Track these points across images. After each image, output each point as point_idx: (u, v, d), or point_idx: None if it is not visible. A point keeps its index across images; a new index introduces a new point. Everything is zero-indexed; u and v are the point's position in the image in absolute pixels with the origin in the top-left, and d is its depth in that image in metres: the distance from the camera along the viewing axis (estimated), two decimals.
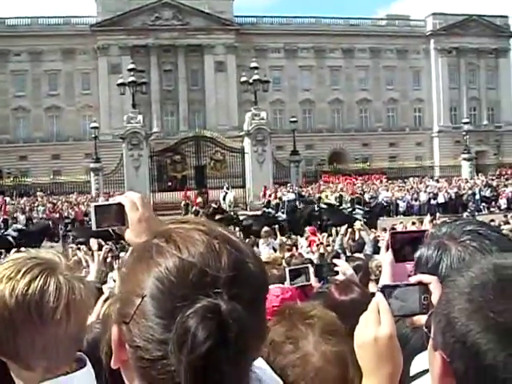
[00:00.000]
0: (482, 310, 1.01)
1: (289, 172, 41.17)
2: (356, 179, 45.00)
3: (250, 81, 37.39)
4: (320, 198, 31.77)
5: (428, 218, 11.92)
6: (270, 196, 32.11)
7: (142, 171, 36.44)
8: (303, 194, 34.88)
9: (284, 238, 13.64)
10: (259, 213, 29.00)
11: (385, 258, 2.00)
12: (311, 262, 7.97)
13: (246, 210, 33.47)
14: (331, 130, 69.42)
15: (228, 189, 34.81)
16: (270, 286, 6.54)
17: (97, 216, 1.80)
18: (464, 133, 52.04)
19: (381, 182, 43.41)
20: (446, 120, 71.48)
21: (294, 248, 12.97)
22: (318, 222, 24.51)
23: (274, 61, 67.23)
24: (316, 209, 27.98)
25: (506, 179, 44.39)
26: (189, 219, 1.11)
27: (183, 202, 32.18)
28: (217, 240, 1.02)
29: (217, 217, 23.49)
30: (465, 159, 52.23)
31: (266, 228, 15.50)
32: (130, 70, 38.19)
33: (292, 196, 32.27)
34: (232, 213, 28.27)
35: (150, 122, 59.20)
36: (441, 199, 35.00)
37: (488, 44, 72.53)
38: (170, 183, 42.20)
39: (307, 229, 18.08)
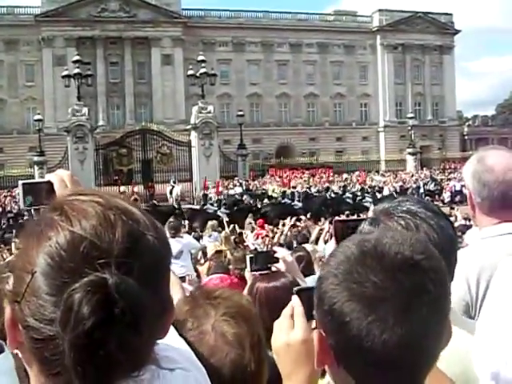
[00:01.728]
0: (345, 281, 1.06)
1: (236, 166, 41.19)
2: (303, 173, 45.30)
3: (197, 74, 37.24)
4: (264, 191, 31.96)
5: (373, 208, 12.04)
6: (207, 188, 32.11)
7: (87, 165, 36.02)
8: (250, 187, 34.99)
9: (228, 231, 13.63)
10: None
11: (329, 247, 1.97)
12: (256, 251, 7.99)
13: (193, 203, 33.36)
14: (278, 125, 69.74)
15: (175, 182, 34.63)
16: (213, 276, 6.52)
17: (25, 195, 1.71)
18: (409, 128, 52.97)
19: (327, 176, 43.78)
20: (391, 115, 72.65)
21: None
22: (330, 210, 25.03)
23: (222, 54, 67.10)
24: (328, 198, 28.52)
25: (450, 173, 45.40)
26: (86, 191, 1.04)
27: (133, 197, 31.63)
28: (112, 211, 0.96)
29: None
30: (410, 153, 53.30)
31: (211, 222, 15.47)
32: (76, 61, 37.59)
33: (239, 190, 32.36)
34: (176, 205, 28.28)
35: (96, 115, 58.32)
36: (386, 193, 35.55)
37: (433, 41, 73.97)
38: (116, 177, 41.69)
39: (256, 221, 18.16)
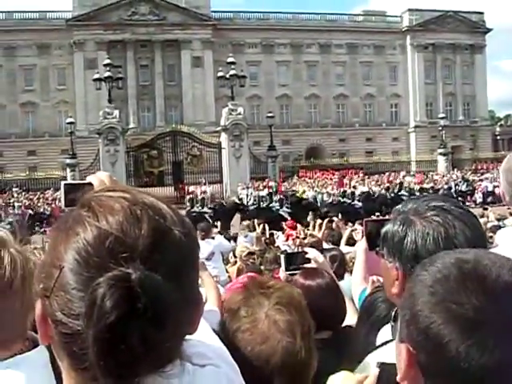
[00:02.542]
0: (444, 302, 1.03)
1: (266, 167, 41.18)
2: (333, 174, 45.12)
3: (227, 76, 37.33)
4: (294, 192, 31.92)
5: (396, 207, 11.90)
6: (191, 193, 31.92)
7: (118, 167, 36.28)
8: (282, 188, 34.92)
9: (259, 232, 13.65)
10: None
11: (359, 245, 1.99)
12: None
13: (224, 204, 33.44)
14: (308, 126, 69.65)
15: (205, 184, 34.77)
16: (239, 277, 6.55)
17: (66, 195, 1.74)
18: (440, 128, 52.45)
19: (358, 176, 43.53)
20: (422, 115, 72.04)
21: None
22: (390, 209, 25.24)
23: (251, 56, 67.22)
24: (389, 197, 29.90)
25: (482, 174, 44.84)
26: (115, 187, 1.07)
27: (188, 197, 31.30)
28: (139, 206, 0.97)
29: None
30: (441, 154, 52.76)
31: (246, 222, 15.50)
32: (106, 65, 37.99)
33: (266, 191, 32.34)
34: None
35: (127, 117, 58.90)
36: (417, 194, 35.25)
37: (464, 40, 73.17)
38: (147, 179, 41.98)
39: (285, 223, 18.13)
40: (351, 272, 5.51)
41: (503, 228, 6.48)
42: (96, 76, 38.64)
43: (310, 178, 42.61)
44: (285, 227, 16.40)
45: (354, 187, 33.22)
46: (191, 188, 30.52)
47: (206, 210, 27.12)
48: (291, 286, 1.87)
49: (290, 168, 52.84)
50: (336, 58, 70.79)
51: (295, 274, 3.33)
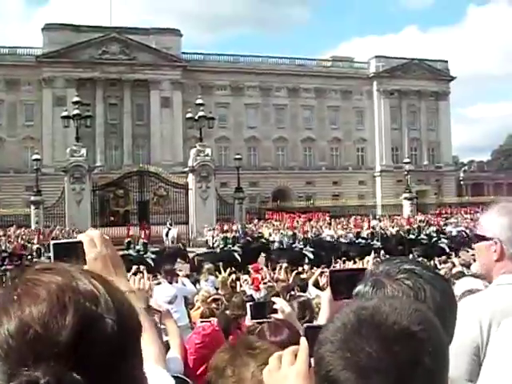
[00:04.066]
0: (340, 350, 1.05)
1: (233, 209, 41.13)
2: (299, 217, 45.21)
3: (196, 117, 37.48)
4: (261, 234, 31.94)
5: (370, 257, 12.00)
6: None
7: (83, 205, 35.95)
8: (247, 231, 34.85)
9: (226, 275, 13.55)
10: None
11: (323, 296, 2.06)
12: (253, 299, 7.93)
13: (190, 246, 33.24)
14: (275, 168, 70.01)
15: (171, 225, 34.58)
16: (198, 323, 6.45)
17: (55, 254, 1.72)
18: (405, 172, 53.13)
19: (324, 220, 43.68)
20: (388, 160, 73.05)
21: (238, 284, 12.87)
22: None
23: (220, 98, 67.71)
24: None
25: (446, 218, 45.31)
26: (54, 266, 0.98)
27: (126, 240, 31.08)
28: (68, 293, 0.89)
29: None
30: (406, 198, 53.29)
31: (208, 265, 15.36)
32: (75, 102, 37.90)
33: (235, 233, 32.26)
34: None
35: (94, 155, 58.54)
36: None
37: (429, 87, 74.83)
38: (112, 218, 41.61)
39: (251, 266, 18.03)
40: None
41: (464, 278, 6.54)
42: (64, 113, 38.51)
43: (276, 221, 42.58)
44: (251, 270, 16.33)
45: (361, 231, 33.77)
46: (131, 231, 30.08)
47: (148, 254, 26.54)
48: (277, 348, 1.84)
49: (256, 210, 52.89)
50: (304, 101, 71.69)
51: (262, 322, 3.29)
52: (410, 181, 54.30)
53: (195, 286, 12.55)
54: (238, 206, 41.04)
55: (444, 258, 19.70)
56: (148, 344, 1.58)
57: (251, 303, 3.89)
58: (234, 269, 15.98)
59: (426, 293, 1.58)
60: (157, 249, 27.88)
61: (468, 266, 13.25)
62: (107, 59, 63.32)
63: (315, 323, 1.80)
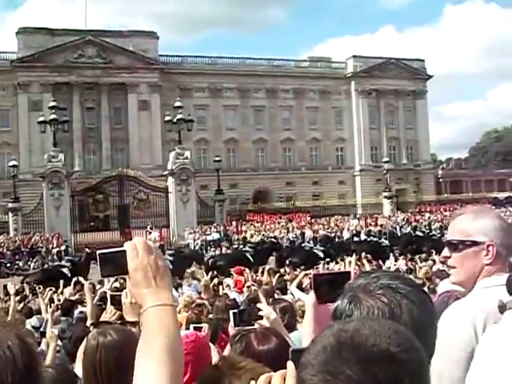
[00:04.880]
0: (321, 372, 1.06)
1: (213, 211, 41.04)
2: (280, 218, 45.25)
3: (174, 120, 37.32)
4: (245, 237, 31.93)
5: (352, 258, 11.92)
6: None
7: (62, 211, 35.65)
8: (228, 233, 34.80)
9: (208, 279, 13.40)
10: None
11: (307, 300, 2.08)
12: (236, 303, 7.81)
13: (170, 249, 33.03)
14: (255, 169, 70.01)
15: (152, 229, 34.40)
16: (183, 332, 6.37)
17: (101, 265, 1.72)
18: (384, 171, 53.46)
19: (305, 220, 43.76)
20: (367, 159, 73.39)
21: (221, 287, 12.74)
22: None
23: (199, 100, 67.56)
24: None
25: (429, 217, 45.56)
26: None
27: (54, 251, 30.61)
28: None
29: None
30: (386, 197, 53.64)
31: (190, 269, 15.23)
32: (52, 107, 37.56)
33: (216, 235, 32.23)
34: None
35: (72, 160, 58.05)
36: (363, 237, 35.48)
37: (406, 86, 75.35)
38: (92, 223, 41.32)
39: (233, 269, 17.95)
40: (302, 321, 5.37)
41: (445, 280, 6.51)
42: (41, 119, 38.25)
43: (257, 222, 42.58)
44: (233, 273, 16.21)
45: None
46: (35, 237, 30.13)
47: (166, 256, 26.81)
48: (262, 367, 1.78)
49: (237, 212, 52.81)
50: (282, 102, 71.77)
51: (247, 328, 3.23)
52: (390, 179, 54.64)
53: (177, 290, 12.40)
54: (218, 209, 41.01)
55: (424, 255, 19.77)
56: (145, 368, 1.48)
57: (234, 311, 3.81)
58: (215, 272, 15.85)
59: (402, 308, 1.57)
60: (173, 251, 28.15)
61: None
62: (83, 63, 62.80)
63: (302, 346, 1.76)
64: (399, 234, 34.27)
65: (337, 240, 32.48)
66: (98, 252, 1.74)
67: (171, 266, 21.50)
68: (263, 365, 1.78)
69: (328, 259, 19.75)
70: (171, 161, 37.55)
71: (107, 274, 1.75)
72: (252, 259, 25.39)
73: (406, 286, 1.63)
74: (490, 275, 2.63)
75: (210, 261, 25.49)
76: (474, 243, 2.66)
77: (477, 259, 2.66)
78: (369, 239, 31.79)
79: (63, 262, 25.14)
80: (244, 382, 1.65)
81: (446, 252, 2.79)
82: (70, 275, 20.75)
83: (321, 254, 26.17)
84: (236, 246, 29.89)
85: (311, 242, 30.51)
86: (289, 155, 72.81)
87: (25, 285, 17.38)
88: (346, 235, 35.91)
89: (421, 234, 33.30)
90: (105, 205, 40.75)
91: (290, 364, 1.44)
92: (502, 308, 1.67)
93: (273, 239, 31.68)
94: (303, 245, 30.24)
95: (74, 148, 61.53)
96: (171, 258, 25.50)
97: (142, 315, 1.63)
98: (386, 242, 31.04)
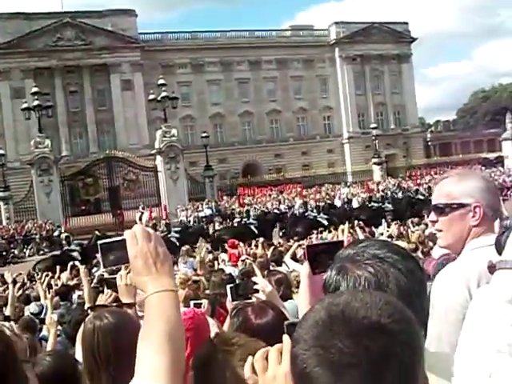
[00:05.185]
0: (313, 347, 1.08)
1: (204, 187, 41.04)
2: (271, 190, 45.32)
3: (159, 98, 37.17)
4: (247, 210, 32.09)
5: (345, 226, 11.96)
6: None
7: (53, 197, 35.59)
8: (220, 208, 34.87)
9: (203, 255, 13.45)
10: None
11: (301, 271, 2.07)
12: (232, 277, 7.84)
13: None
14: (243, 143, 69.79)
15: (144, 208, 34.38)
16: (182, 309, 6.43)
17: (103, 255, 1.75)
18: (373, 137, 53.47)
19: (296, 191, 43.86)
20: (354, 126, 73.27)
21: (216, 263, 12.80)
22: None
23: (182, 76, 66.99)
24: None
25: (419, 184, 45.73)
26: None
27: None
28: None
29: None
30: (375, 163, 53.71)
31: (184, 247, 15.25)
32: (34, 93, 37.25)
33: (208, 211, 32.28)
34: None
35: (59, 145, 57.68)
36: (355, 204, 35.63)
37: (390, 50, 74.92)
38: (83, 207, 41.26)
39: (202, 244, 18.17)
40: (297, 292, 5.42)
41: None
42: (24, 105, 37.97)
43: (248, 196, 42.61)
44: (226, 248, 16.27)
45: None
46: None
47: (172, 234, 27.05)
48: (256, 341, 1.81)
49: (228, 187, 52.80)
50: (266, 73, 71.29)
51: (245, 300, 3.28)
52: (378, 145, 54.69)
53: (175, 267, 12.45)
54: (208, 184, 41.02)
55: (417, 219, 19.88)
56: (145, 355, 1.49)
57: (231, 285, 3.84)
58: (209, 248, 15.97)
59: (389, 278, 1.56)
60: (179, 228, 28.31)
61: None
62: (63, 46, 62.01)
63: (296, 320, 1.79)
64: (401, 198, 34.44)
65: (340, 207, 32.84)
66: (99, 242, 1.75)
67: (178, 243, 21.88)
68: (260, 338, 1.80)
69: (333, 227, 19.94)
70: (158, 139, 37.44)
71: (110, 265, 1.78)
72: (256, 231, 25.62)
73: (394, 254, 1.63)
74: (478, 236, 2.64)
75: (216, 235, 25.76)
76: (461, 205, 2.67)
77: (464, 221, 2.67)
78: (370, 205, 32.00)
79: (72, 247, 25.20)
80: (237, 357, 1.66)
81: (432, 216, 2.80)
82: (80, 259, 21.01)
83: (325, 222, 26.40)
84: (239, 219, 30.08)
85: (314, 210, 30.76)
86: (276, 127, 72.57)
87: (36, 271, 17.46)
88: (338, 204, 36.11)
89: (421, 197, 33.36)
90: (95, 188, 40.64)
91: (285, 338, 1.49)
92: (492, 268, 1.68)
93: (276, 210, 31.84)
94: (306, 214, 30.42)
95: (59, 133, 61.04)
96: (177, 235, 25.89)
97: (144, 302, 1.65)
98: (390, 207, 31.18)
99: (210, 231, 27.72)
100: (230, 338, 1.83)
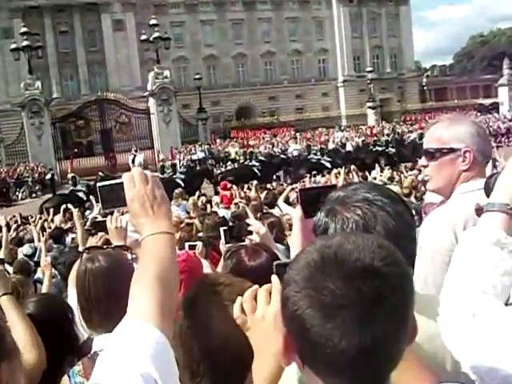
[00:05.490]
0: (305, 289, 1.08)
1: (197, 130, 40.88)
2: (265, 133, 45.19)
3: (151, 39, 36.66)
4: (228, 154, 32.08)
5: (341, 170, 11.96)
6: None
7: (45, 139, 35.41)
8: (213, 151, 34.82)
9: (196, 198, 13.49)
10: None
11: (294, 214, 2.06)
12: (225, 220, 7.85)
13: (156, 171, 33.03)
14: (237, 85, 69.14)
15: (136, 151, 34.27)
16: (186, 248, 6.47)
17: (102, 197, 1.77)
18: (368, 81, 53.07)
19: (289, 134, 43.78)
20: (350, 69, 72.52)
21: (208, 206, 12.83)
22: None
23: (175, 16, 65.81)
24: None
25: (411, 125, 45.70)
26: None
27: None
28: None
29: None
30: (370, 107, 53.46)
31: (178, 190, 15.23)
32: (23, 33, 36.67)
33: (201, 154, 32.22)
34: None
35: (50, 87, 56.99)
36: (349, 148, 35.57)
37: None
38: (75, 150, 41.08)
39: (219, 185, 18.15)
40: (290, 235, 5.42)
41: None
42: (13, 46, 37.35)
43: (241, 139, 42.48)
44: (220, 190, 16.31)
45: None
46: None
47: (177, 175, 27.20)
48: (243, 281, 1.80)
49: (221, 129, 52.59)
50: (261, 14, 70.10)
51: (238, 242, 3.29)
52: (373, 89, 54.33)
53: None
54: (201, 127, 40.88)
55: (410, 164, 19.92)
56: (136, 296, 1.49)
57: (224, 227, 3.84)
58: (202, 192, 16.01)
59: (377, 220, 1.57)
60: (185, 169, 28.40)
61: None
62: None
63: (286, 260, 1.79)
64: (406, 143, 34.28)
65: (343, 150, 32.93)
66: (97, 184, 1.76)
67: (183, 184, 22.06)
68: (253, 280, 1.79)
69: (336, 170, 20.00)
70: (151, 81, 37.07)
71: (108, 207, 1.79)
72: (259, 173, 25.74)
73: (384, 197, 1.63)
74: (468, 181, 2.69)
75: (219, 177, 25.81)
76: (451, 150, 2.72)
77: (454, 166, 2.72)
78: (374, 149, 31.99)
79: (78, 187, 25.36)
80: (224, 296, 1.67)
81: (423, 161, 2.85)
82: (85, 199, 21.31)
83: (328, 165, 26.41)
84: (243, 161, 30.16)
85: (318, 153, 30.81)
86: (270, 69, 71.79)
87: (44, 210, 17.53)
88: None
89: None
90: (87, 130, 40.42)
91: (274, 278, 1.52)
92: (479, 211, 1.70)
93: (282, 154, 31.97)
94: (309, 157, 30.41)
95: (50, 74, 60.24)
96: (183, 176, 26.07)
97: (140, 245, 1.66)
98: (393, 150, 31.40)
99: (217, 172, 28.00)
100: (216, 278, 1.84)
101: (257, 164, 28.56)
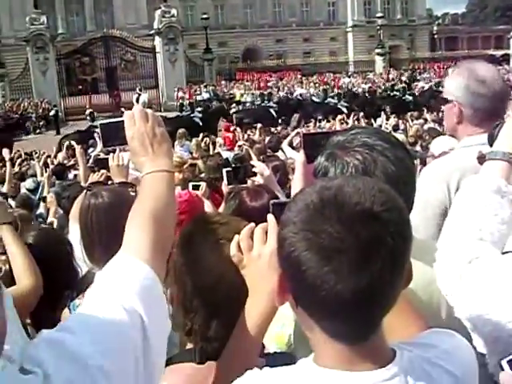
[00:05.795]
0: (303, 231, 1.07)
1: (202, 71, 40.48)
2: (270, 76, 44.74)
3: None
4: (232, 95, 31.91)
5: (340, 116, 11.92)
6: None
7: (49, 75, 35.18)
8: (218, 92, 34.57)
9: (199, 139, 13.46)
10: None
11: (297, 159, 2.06)
12: (228, 161, 7.84)
13: (161, 111, 32.89)
14: (244, 26, 67.98)
15: (141, 90, 34.06)
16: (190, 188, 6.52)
17: (103, 135, 1.79)
18: (378, 27, 52.25)
19: (295, 78, 43.36)
20: (360, 14, 71.09)
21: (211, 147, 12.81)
22: None
23: None
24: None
25: (419, 73, 45.17)
26: None
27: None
28: None
29: None
30: (378, 54, 52.75)
31: (181, 130, 15.19)
32: None
33: (206, 95, 32.04)
34: None
35: (55, 22, 56.06)
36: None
37: None
38: (80, 87, 40.79)
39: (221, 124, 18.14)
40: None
41: (439, 138, 6.62)
42: None
43: (247, 81, 42.08)
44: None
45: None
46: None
47: (196, 113, 27.33)
48: (237, 220, 1.81)
49: (227, 71, 52.04)
50: None
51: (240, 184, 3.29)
52: (383, 36, 53.55)
53: None
54: (207, 68, 40.51)
55: (416, 113, 19.80)
56: (131, 231, 1.50)
57: (228, 169, 3.84)
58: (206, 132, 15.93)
59: (377, 165, 1.57)
60: (202, 108, 28.41)
61: (439, 122, 13.30)
62: None
63: (282, 199, 1.80)
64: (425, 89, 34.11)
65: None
66: (99, 122, 1.81)
67: (201, 123, 22.11)
68: (255, 221, 1.77)
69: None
70: (157, 20, 36.57)
71: (109, 145, 1.82)
72: (275, 115, 25.64)
73: (384, 142, 1.62)
74: (472, 135, 2.71)
75: (236, 117, 25.90)
76: (446, 101, 2.82)
77: (451, 116, 2.80)
78: (392, 94, 31.93)
79: (96, 123, 25.69)
80: (219, 234, 1.67)
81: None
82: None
83: (344, 110, 26.26)
84: (259, 102, 30.04)
85: (335, 98, 30.82)
86: (279, 11, 70.46)
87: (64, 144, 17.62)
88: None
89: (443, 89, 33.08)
90: (92, 67, 40.00)
91: (270, 217, 1.53)
92: (482, 159, 1.71)
93: (299, 96, 31.77)
94: (326, 101, 30.33)
95: (55, 9, 59.13)
96: (200, 115, 26.15)
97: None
98: (410, 98, 31.21)
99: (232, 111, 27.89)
100: (213, 216, 1.87)
101: (274, 105, 28.49)
